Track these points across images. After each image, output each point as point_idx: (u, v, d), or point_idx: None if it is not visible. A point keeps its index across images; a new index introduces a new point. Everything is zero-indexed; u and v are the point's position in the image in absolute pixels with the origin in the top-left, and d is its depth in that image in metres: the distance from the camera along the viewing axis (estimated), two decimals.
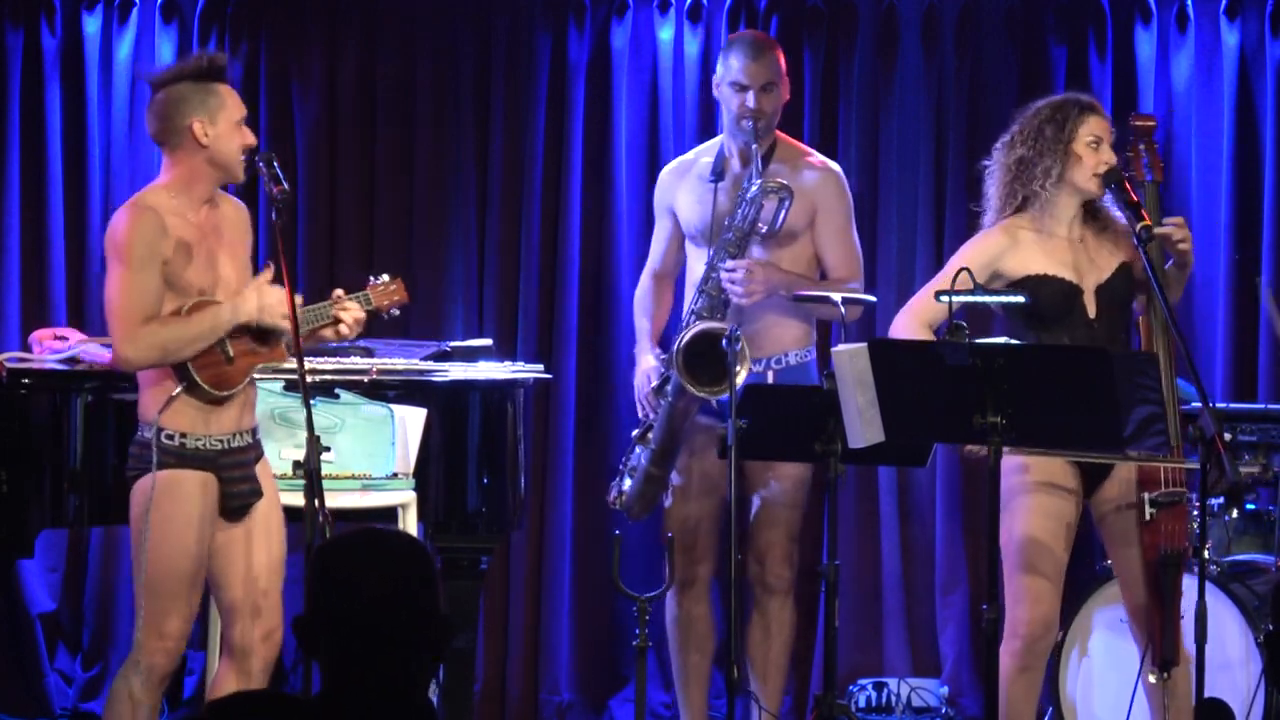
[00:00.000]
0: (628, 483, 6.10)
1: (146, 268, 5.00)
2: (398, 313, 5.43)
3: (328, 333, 5.28)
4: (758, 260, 6.01)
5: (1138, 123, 5.56)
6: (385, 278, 5.39)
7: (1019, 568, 5.39)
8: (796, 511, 6.16)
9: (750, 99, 6.05)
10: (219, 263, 5.13)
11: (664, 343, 6.26)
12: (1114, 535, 5.49)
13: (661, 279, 6.38)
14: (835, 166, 6.25)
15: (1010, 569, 5.40)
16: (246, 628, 5.21)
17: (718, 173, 6.15)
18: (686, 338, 5.88)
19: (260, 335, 5.12)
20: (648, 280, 6.39)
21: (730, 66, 6.10)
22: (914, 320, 5.51)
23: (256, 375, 5.29)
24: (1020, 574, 5.39)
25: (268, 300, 5.07)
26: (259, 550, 5.22)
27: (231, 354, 5.06)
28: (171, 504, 5.04)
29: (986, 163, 5.58)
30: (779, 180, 6.01)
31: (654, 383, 6.07)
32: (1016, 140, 5.49)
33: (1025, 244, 5.46)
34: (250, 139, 5.19)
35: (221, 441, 5.11)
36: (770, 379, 6.07)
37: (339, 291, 5.32)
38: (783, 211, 5.98)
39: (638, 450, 6.10)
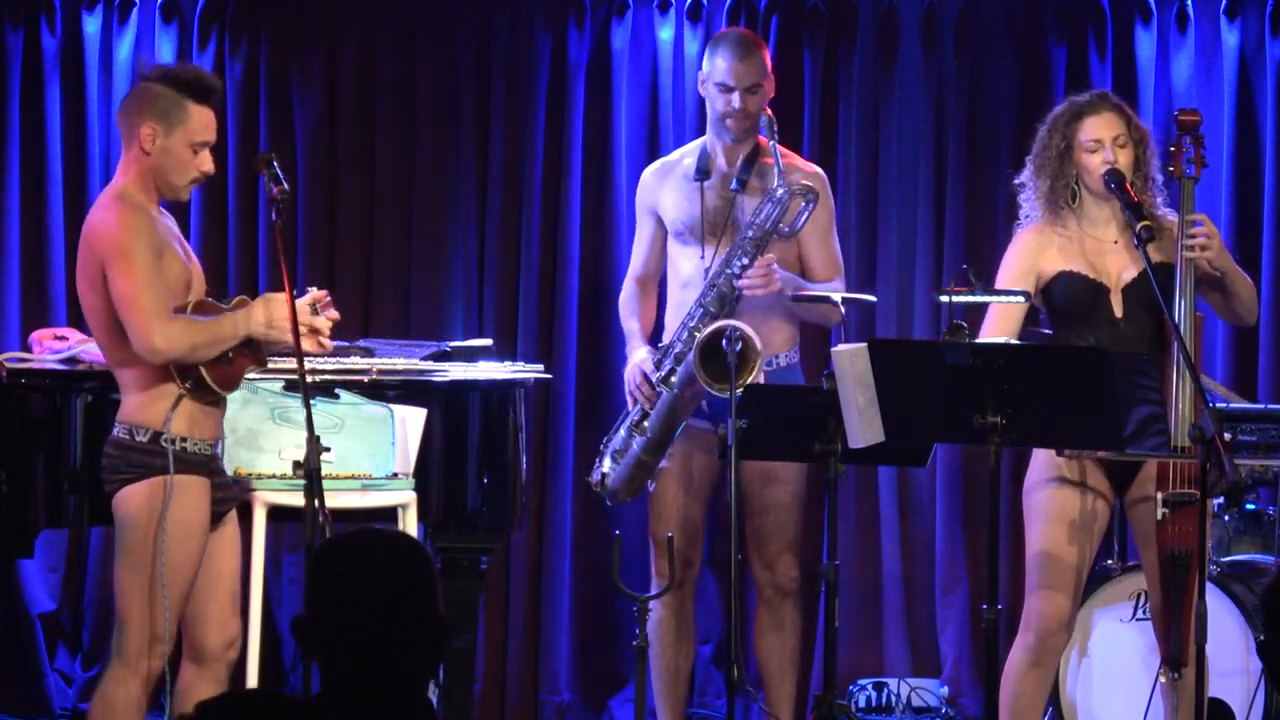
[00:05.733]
0: (608, 463, 6.07)
1: (154, 259, 4.92)
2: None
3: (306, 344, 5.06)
4: (773, 260, 5.97)
5: (1182, 118, 5.57)
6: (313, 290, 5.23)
7: (1037, 564, 5.40)
8: (801, 513, 6.16)
9: (735, 100, 6.02)
10: (189, 261, 5.08)
11: (652, 342, 6.23)
12: (1138, 535, 5.50)
13: (645, 283, 6.32)
14: (821, 171, 6.22)
15: (1030, 564, 5.42)
16: (215, 634, 5.17)
17: (702, 171, 6.12)
18: (709, 330, 5.85)
19: (250, 340, 5.05)
20: (632, 285, 6.33)
21: (717, 66, 6.05)
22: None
23: (254, 375, 5.28)
24: (1038, 569, 5.40)
25: (276, 315, 4.99)
26: (229, 557, 5.19)
27: (230, 354, 5.03)
28: (181, 510, 4.98)
29: (1019, 180, 5.60)
30: (805, 183, 5.98)
31: (654, 372, 6.02)
32: (1032, 162, 5.55)
33: (1055, 243, 5.49)
34: (207, 166, 5.01)
35: (211, 447, 5.08)
36: (761, 379, 6.06)
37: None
38: (806, 213, 5.94)
39: (624, 434, 6.07)
